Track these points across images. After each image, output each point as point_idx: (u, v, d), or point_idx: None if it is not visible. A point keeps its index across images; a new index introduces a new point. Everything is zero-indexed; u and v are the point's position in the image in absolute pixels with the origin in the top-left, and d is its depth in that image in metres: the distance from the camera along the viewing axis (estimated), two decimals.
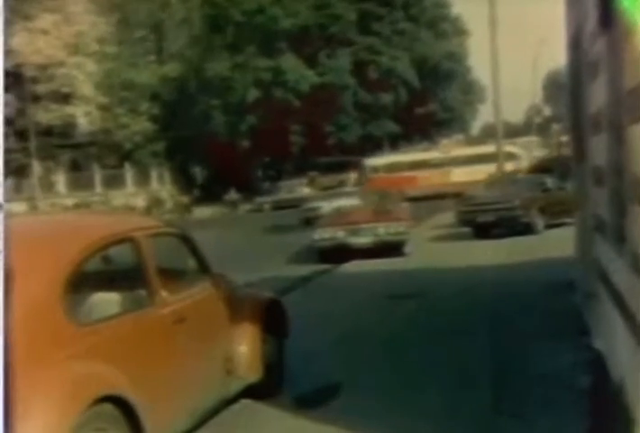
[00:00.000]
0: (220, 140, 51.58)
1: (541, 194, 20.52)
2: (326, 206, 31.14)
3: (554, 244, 14.35)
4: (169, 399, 4.95)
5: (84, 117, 49.38)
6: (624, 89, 3.83)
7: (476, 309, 9.63)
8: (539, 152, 57.02)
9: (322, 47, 55.25)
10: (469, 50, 62.71)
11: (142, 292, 5.15)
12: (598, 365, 5.59)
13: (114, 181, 50.22)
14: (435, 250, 18.09)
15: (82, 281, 4.61)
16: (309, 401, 6.19)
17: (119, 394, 4.27)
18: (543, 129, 69.69)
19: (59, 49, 46.33)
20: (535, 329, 8.04)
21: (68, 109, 47.98)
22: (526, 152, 45.81)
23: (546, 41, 57.73)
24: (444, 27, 60.03)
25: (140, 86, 51.90)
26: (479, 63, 61.47)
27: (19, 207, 37.14)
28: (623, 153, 3.98)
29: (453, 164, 42.33)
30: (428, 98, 57.43)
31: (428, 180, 40.41)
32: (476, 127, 77.80)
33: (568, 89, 8.25)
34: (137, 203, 46.76)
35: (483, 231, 19.75)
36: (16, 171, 45.73)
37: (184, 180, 55.37)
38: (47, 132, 47.61)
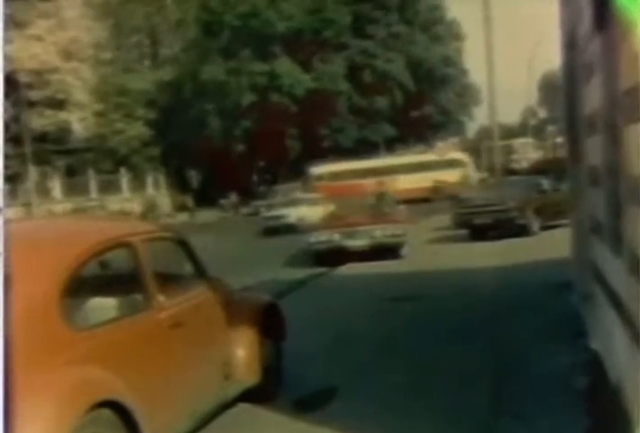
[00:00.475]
0: (215, 144, 51.55)
1: (536, 195, 20.56)
2: (292, 214, 31.01)
3: (550, 245, 14.37)
4: (167, 403, 4.94)
5: (79, 123, 49.35)
6: (619, 90, 3.83)
7: (473, 311, 9.63)
8: (535, 154, 57.20)
9: (316, 51, 55.26)
10: (464, 53, 62.76)
11: (139, 297, 5.14)
12: (595, 366, 5.60)
13: (109, 187, 50.15)
14: (432, 252, 18.10)
15: (79, 286, 4.60)
16: (307, 405, 6.18)
17: (117, 399, 4.26)
18: (538, 131, 69.82)
19: (53, 54, 46.33)
20: (533, 331, 8.04)
21: (63, 115, 47.95)
22: (471, 159, 45.95)
23: (541, 42, 57.86)
24: (439, 30, 60.04)
25: (135, 91, 51.90)
26: (473, 65, 61.66)
27: (15, 212, 37.07)
28: (618, 154, 3.98)
29: (400, 172, 42.29)
30: (424, 101, 57.41)
31: (372, 188, 40.21)
32: (472, 129, 77.91)
33: (563, 91, 8.26)
34: (133, 208, 46.73)
35: (479, 233, 19.77)
36: (12, 177, 45.70)
37: (179, 185, 55.35)
38: (42, 138, 47.55)
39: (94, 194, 49.56)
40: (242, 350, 6.10)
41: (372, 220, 17.78)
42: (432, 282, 12.57)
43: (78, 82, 47.87)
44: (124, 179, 51.80)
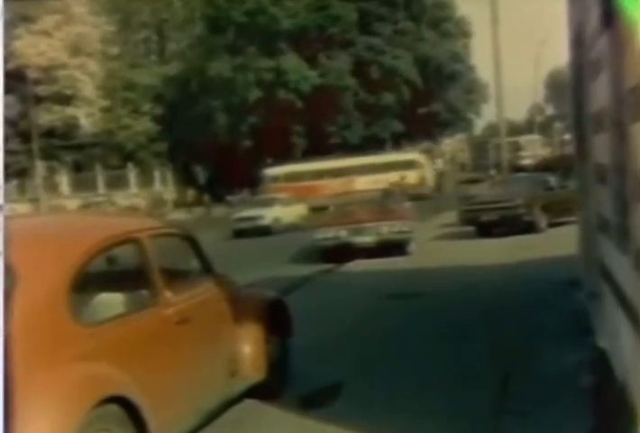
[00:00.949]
0: (221, 140, 51.57)
1: (544, 192, 20.52)
2: (268, 215, 29.55)
3: (557, 242, 14.34)
4: (173, 399, 4.95)
5: (86, 118, 49.45)
6: (626, 87, 3.83)
7: (479, 309, 9.62)
8: (542, 151, 57.10)
9: (322, 48, 55.22)
10: (471, 50, 62.64)
11: (146, 293, 5.15)
12: (602, 364, 5.59)
13: (116, 182, 50.26)
14: (438, 249, 18.08)
15: (86, 282, 4.61)
16: (313, 401, 6.19)
17: (124, 395, 4.28)
18: (545, 128, 69.74)
19: (61, 50, 46.42)
20: (539, 328, 8.03)
21: (71, 111, 48.06)
22: (428, 161, 45.56)
23: (548, 39, 57.74)
24: (447, 27, 59.92)
25: (142, 86, 51.97)
26: (481, 62, 61.49)
27: (23, 208, 37.19)
28: (626, 152, 3.97)
29: (357, 173, 41.97)
30: (431, 98, 57.32)
31: (330, 189, 38.32)
32: (479, 126, 77.82)
33: (570, 88, 8.24)
34: (140, 203, 46.80)
35: (486, 230, 19.75)
36: (20, 173, 45.84)
37: (186, 181, 55.42)
38: (50, 133, 47.68)
39: (101, 189, 49.70)
40: (248, 346, 6.11)
41: (379, 216, 17.76)
42: (438, 279, 12.57)
43: (86, 77, 47.97)
44: (132, 174, 51.90)
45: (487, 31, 37.01)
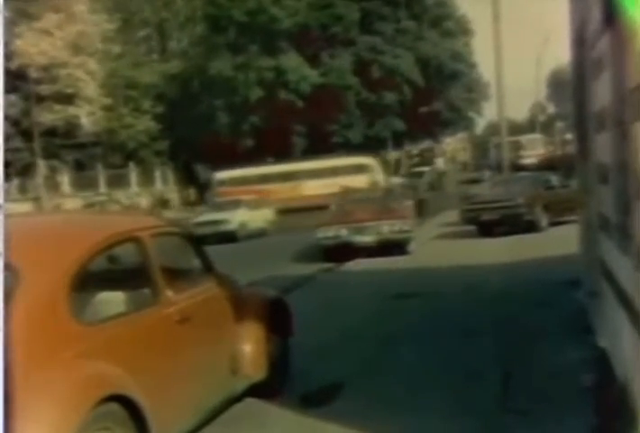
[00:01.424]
0: (223, 139, 51.57)
1: (545, 192, 20.53)
2: (234, 219, 27.08)
3: (558, 241, 14.32)
4: (174, 398, 4.96)
5: (88, 117, 49.42)
6: (628, 87, 3.82)
7: (480, 308, 9.63)
8: (543, 150, 57.05)
9: (324, 47, 55.23)
10: (473, 49, 62.65)
11: (147, 292, 5.16)
12: (602, 363, 5.60)
13: (118, 181, 50.24)
14: (439, 248, 18.08)
15: (87, 281, 4.61)
16: (314, 400, 6.19)
17: (124, 393, 4.27)
18: (546, 127, 69.67)
19: (62, 49, 46.38)
20: (540, 327, 8.03)
21: (72, 110, 48.03)
22: (378, 165, 44.51)
23: (550, 38, 57.70)
24: (448, 25, 59.93)
25: (143, 85, 51.95)
26: (482, 61, 61.50)
27: (24, 207, 37.16)
28: (627, 151, 3.97)
29: (305, 177, 41.39)
30: (433, 97, 57.32)
31: (277, 194, 38.29)
32: (480, 125, 77.85)
33: (572, 87, 8.24)
34: (142, 202, 46.77)
35: (487, 229, 19.75)
36: (22, 172, 45.85)
37: (187, 180, 55.39)
38: (51, 132, 47.65)
39: (103, 188, 49.67)
40: (249, 345, 6.11)
41: (380, 216, 17.74)
42: (439, 279, 12.56)
43: (87, 76, 47.93)
44: (133, 173, 51.89)
45: (488, 29, 36.98)
